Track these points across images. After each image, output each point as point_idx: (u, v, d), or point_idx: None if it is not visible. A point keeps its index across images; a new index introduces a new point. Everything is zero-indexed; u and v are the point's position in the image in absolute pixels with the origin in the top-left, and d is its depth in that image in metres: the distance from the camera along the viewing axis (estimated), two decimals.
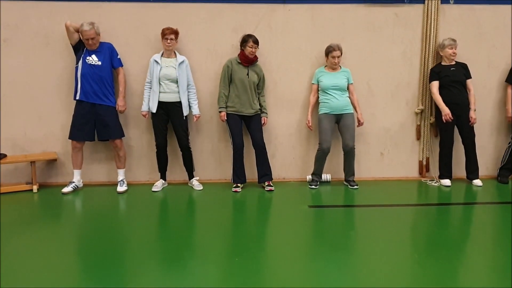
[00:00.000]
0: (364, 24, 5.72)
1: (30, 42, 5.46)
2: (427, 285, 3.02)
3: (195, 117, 5.45)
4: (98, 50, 5.25)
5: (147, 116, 5.39)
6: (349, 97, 5.51)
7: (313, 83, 5.58)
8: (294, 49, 5.70)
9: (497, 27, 5.78)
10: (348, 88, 5.50)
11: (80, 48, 5.22)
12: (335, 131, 5.56)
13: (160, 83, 5.25)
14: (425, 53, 5.76)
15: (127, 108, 5.46)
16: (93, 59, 5.19)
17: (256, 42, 5.25)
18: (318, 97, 5.56)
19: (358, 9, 5.69)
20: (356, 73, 5.69)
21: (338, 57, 5.39)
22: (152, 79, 5.26)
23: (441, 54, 5.60)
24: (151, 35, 5.50)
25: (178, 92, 5.28)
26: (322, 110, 5.47)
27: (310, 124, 5.54)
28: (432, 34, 5.71)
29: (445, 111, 5.45)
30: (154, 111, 5.27)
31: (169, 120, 5.39)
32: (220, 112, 5.38)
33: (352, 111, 5.50)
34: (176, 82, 5.27)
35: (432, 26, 5.70)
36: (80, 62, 5.19)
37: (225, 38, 5.61)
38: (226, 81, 5.35)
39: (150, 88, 5.31)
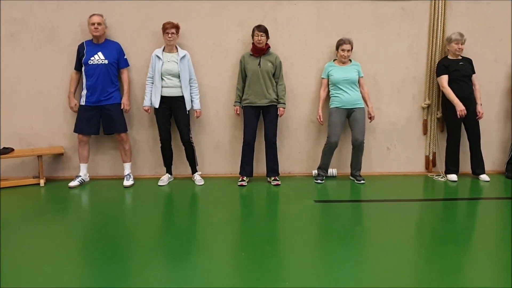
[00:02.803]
0: (371, 18, 5.69)
1: (36, 37, 5.48)
2: (433, 280, 3.01)
3: (196, 112, 5.46)
4: (104, 47, 5.26)
5: (149, 111, 5.39)
6: (360, 91, 5.50)
7: (323, 78, 5.55)
8: (300, 43, 5.68)
9: (505, 21, 5.74)
10: (358, 81, 5.48)
11: (80, 55, 5.26)
12: (345, 125, 5.55)
13: (162, 78, 5.25)
14: (432, 48, 5.73)
15: (132, 104, 5.51)
16: (99, 57, 5.21)
17: (262, 30, 5.23)
18: (328, 91, 5.54)
19: (364, 3, 5.66)
20: (363, 67, 5.65)
21: (348, 50, 5.38)
22: (154, 74, 5.27)
23: (447, 48, 5.57)
24: (157, 30, 5.49)
25: (181, 86, 5.29)
26: (334, 104, 5.45)
27: (321, 120, 5.52)
28: (439, 29, 5.68)
29: (460, 106, 5.40)
30: (157, 106, 5.27)
31: (172, 115, 5.40)
32: (234, 106, 5.47)
33: (363, 106, 5.48)
34: (178, 77, 5.27)
35: (439, 20, 5.67)
36: (83, 68, 5.24)
37: (230, 33, 5.60)
38: (240, 75, 5.39)
39: (152, 83, 5.32)
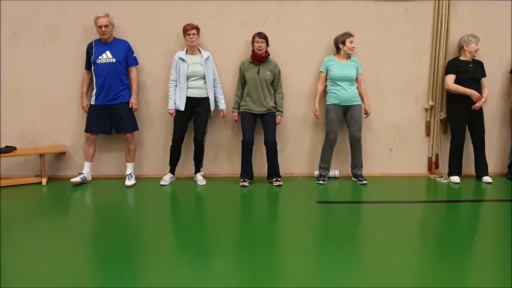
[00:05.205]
0: (374, 19, 5.68)
1: (39, 36, 5.48)
2: (435, 283, 3.00)
3: (223, 111, 5.48)
4: (112, 46, 5.26)
5: (174, 114, 5.36)
6: (357, 87, 5.49)
7: (321, 71, 5.53)
8: (303, 43, 5.67)
9: (508, 23, 5.72)
10: (356, 78, 5.48)
11: (89, 55, 5.26)
12: (342, 122, 5.54)
13: (187, 80, 5.26)
14: (435, 49, 5.71)
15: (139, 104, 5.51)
16: (107, 56, 5.21)
17: (262, 37, 5.23)
18: (326, 85, 5.54)
19: (367, 4, 5.65)
20: (366, 68, 5.66)
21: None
22: (179, 77, 5.26)
23: (465, 49, 5.52)
24: (160, 29, 5.50)
25: (206, 88, 5.29)
26: (330, 100, 5.45)
27: (317, 113, 5.51)
28: (442, 30, 5.66)
29: (473, 92, 5.38)
30: (182, 108, 5.27)
31: (192, 117, 5.39)
32: (232, 112, 5.46)
33: (360, 103, 5.48)
34: (203, 78, 5.27)
35: (443, 21, 5.65)
36: (92, 67, 5.26)
37: (233, 33, 5.60)
38: (239, 82, 5.41)
39: (176, 86, 5.31)
